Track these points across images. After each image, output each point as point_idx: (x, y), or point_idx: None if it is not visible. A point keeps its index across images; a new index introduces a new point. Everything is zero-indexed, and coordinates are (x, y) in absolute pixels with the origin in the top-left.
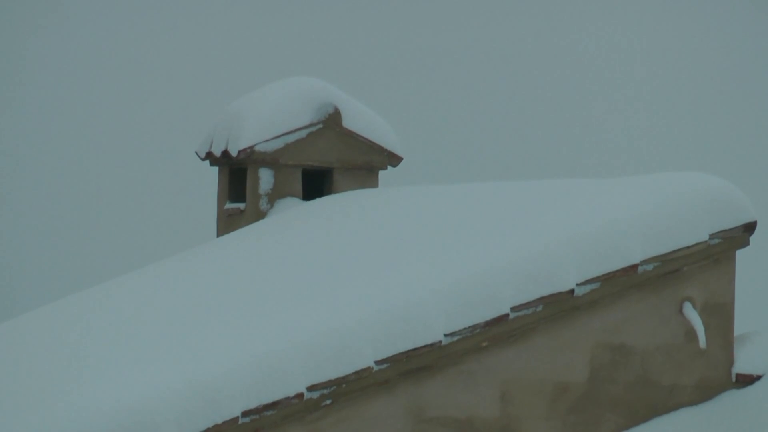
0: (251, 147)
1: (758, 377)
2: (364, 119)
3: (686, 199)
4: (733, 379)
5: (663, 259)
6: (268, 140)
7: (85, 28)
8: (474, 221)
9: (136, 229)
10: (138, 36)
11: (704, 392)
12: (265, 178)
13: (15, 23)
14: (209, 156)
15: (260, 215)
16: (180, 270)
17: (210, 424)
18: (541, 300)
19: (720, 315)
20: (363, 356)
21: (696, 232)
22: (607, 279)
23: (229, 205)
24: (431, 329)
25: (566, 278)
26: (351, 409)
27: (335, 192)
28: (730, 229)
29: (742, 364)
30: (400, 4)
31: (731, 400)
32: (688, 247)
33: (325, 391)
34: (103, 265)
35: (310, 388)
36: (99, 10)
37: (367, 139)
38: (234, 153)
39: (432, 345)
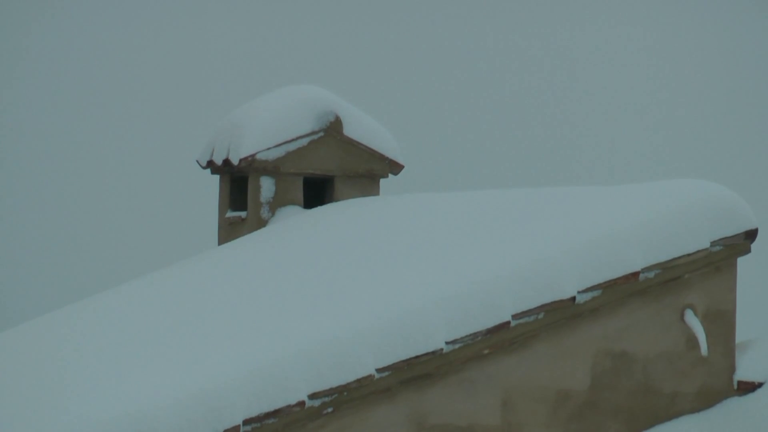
0: (252, 155)
1: (760, 384)
2: (365, 127)
3: (687, 207)
4: (735, 387)
5: (664, 266)
6: (269, 148)
7: (86, 36)
8: (475, 229)
9: (137, 237)
10: (139, 44)
11: (706, 400)
12: (266, 187)
13: (15, 29)
14: (210, 164)
15: (261, 223)
16: (181, 278)
17: None
18: (542, 307)
19: (721, 322)
20: (364, 364)
21: (697, 239)
22: (609, 286)
23: (230, 214)
24: (432, 337)
25: (567, 286)
26: (352, 417)
27: (336, 200)
28: (732, 237)
29: (744, 372)
30: (401, 13)
31: (733, 407)
32: (690, 255)
33: (326, 399)
34: (104, 273)
35: (312, 396)
36: (101, 18)
37: (368, 147)
38: (235, 161)
39: (433, 353)
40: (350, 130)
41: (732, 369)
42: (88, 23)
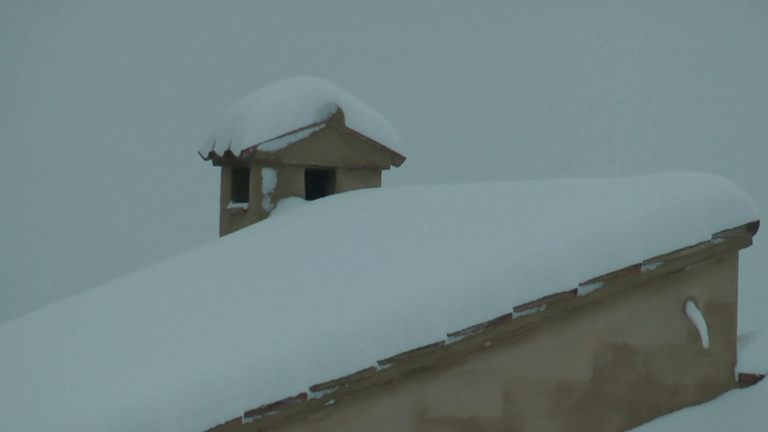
0: (254, 147)
1: (761, 377)
2: (367, 119)
3: (689, 199)
4: (736, 379)
5: (666, 258)
6: (271, 140)
7: (86, 29)
8: (477, 221)
9: (139, 229)
10: (140, 36)
11: (707, 392)
12: (268, 178)
13: (15, 24)
14: (212, 156)
15: (263, 215)
16: (183, 270)
17: (213, 425)
18: (544, 300)
19: (723, 314)
20: (366, 356)
21: (699, 231)
22: (610, 279)
23: (232, 205)
24: (434, 329)
25: (569, 278)
26: (354, 409)
27: (338, 192)
28: (733, 229)
29: (745, 364)
30: (403, 6)
31: (734, 399)
32: (691, 247)
33: (328, 391)
34: (106, 265)
35: (314, 388)
36: (101, 11)
37: (370, 138)
38: (237, 153)
39: (435, 345)
40: (352, 122)
41: (733, 361)
42: (89, 16)
